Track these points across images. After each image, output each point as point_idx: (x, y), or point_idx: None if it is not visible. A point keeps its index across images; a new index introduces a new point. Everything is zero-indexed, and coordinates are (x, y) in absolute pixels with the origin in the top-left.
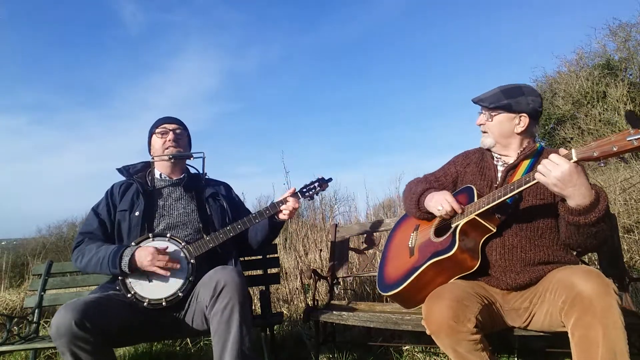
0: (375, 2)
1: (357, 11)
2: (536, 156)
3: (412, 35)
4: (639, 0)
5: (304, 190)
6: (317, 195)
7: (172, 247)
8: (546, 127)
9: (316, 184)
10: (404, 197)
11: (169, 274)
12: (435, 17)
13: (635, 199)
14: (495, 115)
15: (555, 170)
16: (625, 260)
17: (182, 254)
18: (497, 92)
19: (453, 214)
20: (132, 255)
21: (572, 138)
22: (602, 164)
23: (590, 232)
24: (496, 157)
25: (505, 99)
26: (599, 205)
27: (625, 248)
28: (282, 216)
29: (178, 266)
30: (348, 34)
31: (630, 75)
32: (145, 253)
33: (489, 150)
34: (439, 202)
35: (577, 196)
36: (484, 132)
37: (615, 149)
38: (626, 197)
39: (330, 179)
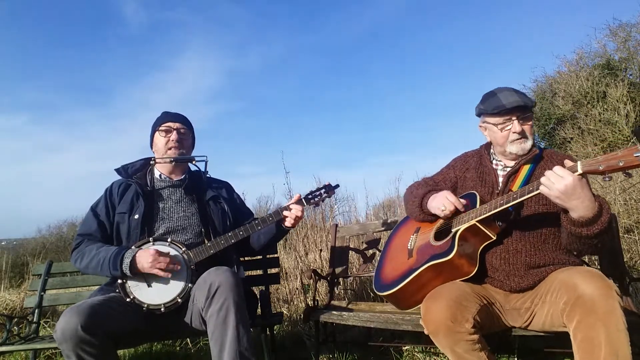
0: (377, 1)
1: (359, 10)
2: (536, 161)
3: (413, 35)
4: (639, 1)
5: (310, 196)
6: (323, 202)
7: (172, 253)
8: (546, 127)
9: (322, 191)
10: (406, 200)
11: (169, 275)
12: (436, 17)
13: (635, 199)
14: (531, 117)
15: (558, 183)
16: (625, 260)
17: (182, 260)
18: (523, 94)
19: (456, 213)
20: (134, 257)
21: (572, 138)
22: (607, 179)
23: (592, 242)
24: (495, 161)
25: (530, 100)
26: (601, 218)
27: (625, 248)
28: (286, 223)
29: (179, 267)
30: (349, 33)
31: (630, 75)
32: (146, 255)
33: (487, 152)
34: (441, 202)
35: (580, 209)
36: (523, 138)
37: (621, 164)
38: (626, 197)
39: (337, 186)
